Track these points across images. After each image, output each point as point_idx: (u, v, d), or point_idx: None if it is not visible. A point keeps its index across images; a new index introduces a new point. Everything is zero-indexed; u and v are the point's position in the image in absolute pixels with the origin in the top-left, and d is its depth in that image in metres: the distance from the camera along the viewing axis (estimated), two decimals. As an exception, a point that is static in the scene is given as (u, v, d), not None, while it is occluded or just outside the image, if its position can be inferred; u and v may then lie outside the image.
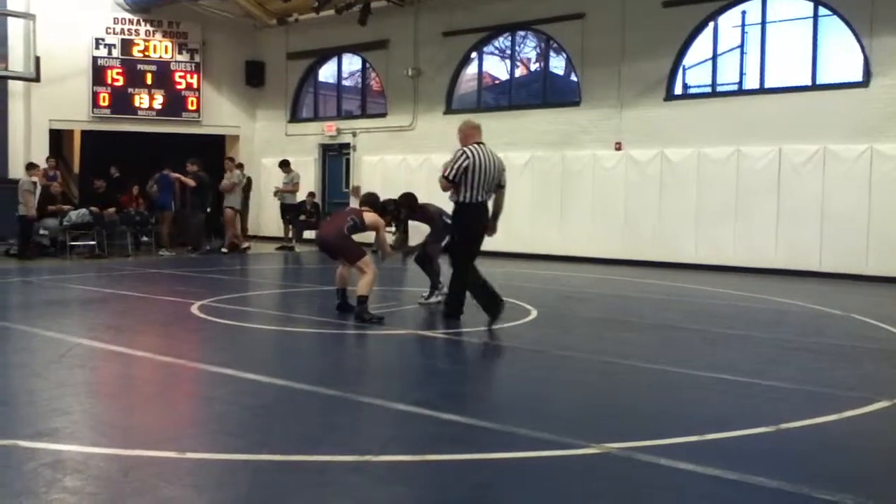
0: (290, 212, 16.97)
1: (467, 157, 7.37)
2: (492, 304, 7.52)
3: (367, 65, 18.91)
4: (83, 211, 14.55)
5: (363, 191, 17.53)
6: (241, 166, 16.95)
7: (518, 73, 17.71)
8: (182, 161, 15.54)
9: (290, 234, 17.05)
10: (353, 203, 17.93)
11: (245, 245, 16.31)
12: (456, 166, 7.38)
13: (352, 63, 19.56)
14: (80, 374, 5.53)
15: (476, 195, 7.44)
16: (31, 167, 14.45)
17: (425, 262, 9.01)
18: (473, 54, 17.16)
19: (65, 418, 4.34)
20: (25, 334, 6.95)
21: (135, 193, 16.12)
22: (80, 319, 8.03)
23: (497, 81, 18.09)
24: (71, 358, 5.92)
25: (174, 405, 4.97)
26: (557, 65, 16.93)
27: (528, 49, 17.66)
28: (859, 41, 12.50)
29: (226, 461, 3.71)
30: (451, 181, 7.43)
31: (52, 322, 7.51)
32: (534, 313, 8.35)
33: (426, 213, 9.08)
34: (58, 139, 18.38)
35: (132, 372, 5.74)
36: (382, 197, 8.55)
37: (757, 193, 13.20)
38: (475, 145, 7.50)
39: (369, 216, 7.85)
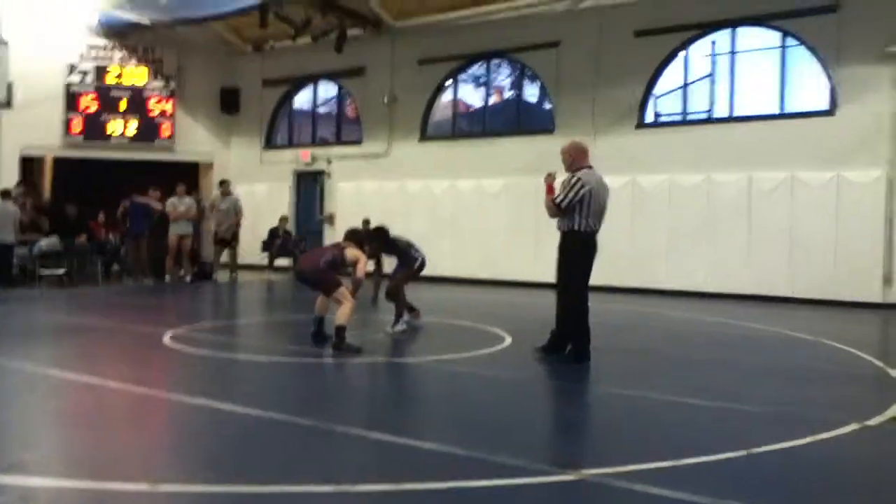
0: (221, 241, 15.89)
1: (583, 185, 6.83)
2: (583, 345, 7.06)
3: (343, 92, 19.00)
4: (53, 239, 14.39)
5: (338, 218, 17.67)
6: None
7: (492, 100, 17.87)
8: (162, 188, 15.51)
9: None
10: (328, 230, 17.99)
11: (182, 275, 15.59)
12: (572, 195, 6.82)
13: (327, 90, 19.63)
14: (50, 405, 5.45)
15: (591, 224, 6.92)
16: (6, 194, 14.21)
17: (393, 294, 9.11)
18: (448, 82, 17.30)
19: (35, 451, 4.28)
20: (-5, 364, 6.84)
21: (99, 221, 15.97)
22: (50, 349, 7.90)
23: (472, 109, 18.24)
24: (40, 389, 5.84)
25: (147, 436, 4.91)
26: (532, 92, 17.12)
27: (503, 77, 17.85)
28: (826, 70, 12.80)
29: (201, 493, 3.68)
30: (562, 209, 6.91)
31: (21, 352, 7.40)
32: (508, 340, 8.37)
33: (395, 247, 9.31)
34: (29, 166, 18.20)
35: (104, 403, 5.67)
36: (359, 220, 8.60)
37: (727, 220, 13.39)
38: (587, 170, 7.00)
39: (350, 252, 7.85)
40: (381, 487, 3.75)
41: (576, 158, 7.06)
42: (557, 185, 7.04)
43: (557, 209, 6.92)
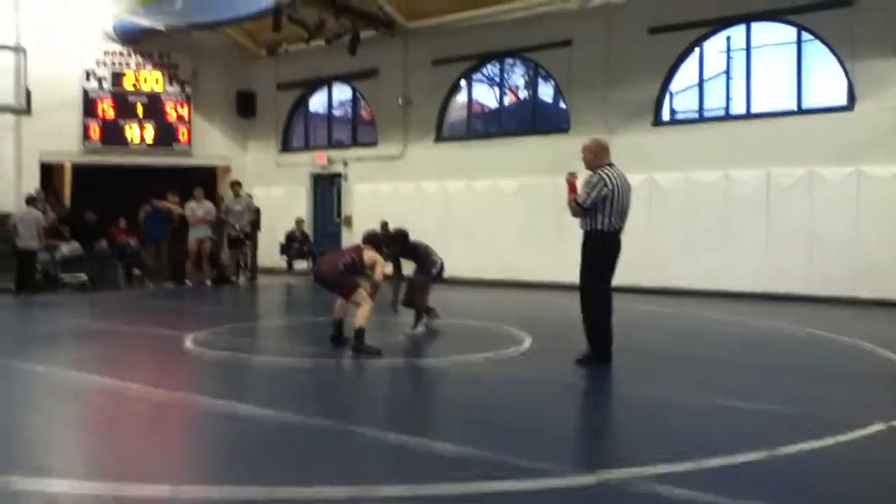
0: (235, 242, 16.12)
1: (607, 185, 6.74)
2: (605, 346, 6.97)
3: (358, 94, 19.05)
4: (75, 244, 14.53)
5: (354, 220, 17.74)
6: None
7: (507, 100, 17.85)
8: (179, 192, 15.67)
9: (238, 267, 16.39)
10: (345, 232, 18.04)
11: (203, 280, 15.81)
12: (595, 194, 6.75)
13: (342, 92, 19.68)
14: (73, 408, 5.50)
15: (614, 222, 6.83)
16: (31, 201, 14.37)
17: (411, 301, 9.17)
18: (462, 82, 17.30)
19: (58, 454, 4.32)
20: (18, 369, 6.91)
21: (121, 226, 16.12)
22: (72, 353, 7.99)
23: (487, 109, 18.23)
24: (63, 393, 5.89)
25: (168, 439, 4.95)
26: (546, 92, 17.09)
27: (517, 76, 17.83)
28: (843, 65, 12.68)
29: (221, 495, 3.70)
30: (585, 209, 6.85)
31: (44, 356, 7.48)
32: (528, 341, 8.35)
33: (415, 251, 9.33)
34: (48, 172, 18.38)
35: (126, 406, 5.72)
36: (375, 222, 8.64)
37: (745, 217, 13.29)
38: (609, 168, 6.90)
39: (368, 254, 7.87)
40: (399, 490, 3.75)
41: (597, 156, 6.96)
42: (579, 184, 6.99)
43: (580, 209, 6.86)
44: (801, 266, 12.77)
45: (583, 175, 7.07)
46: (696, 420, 5.28)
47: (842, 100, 12.78)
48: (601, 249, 6.89)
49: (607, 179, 6.79)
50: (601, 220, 6.81)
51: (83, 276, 14.36)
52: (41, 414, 5.32)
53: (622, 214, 6.91)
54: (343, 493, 3.69)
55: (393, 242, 9.27)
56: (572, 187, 6.99)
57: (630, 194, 7.01)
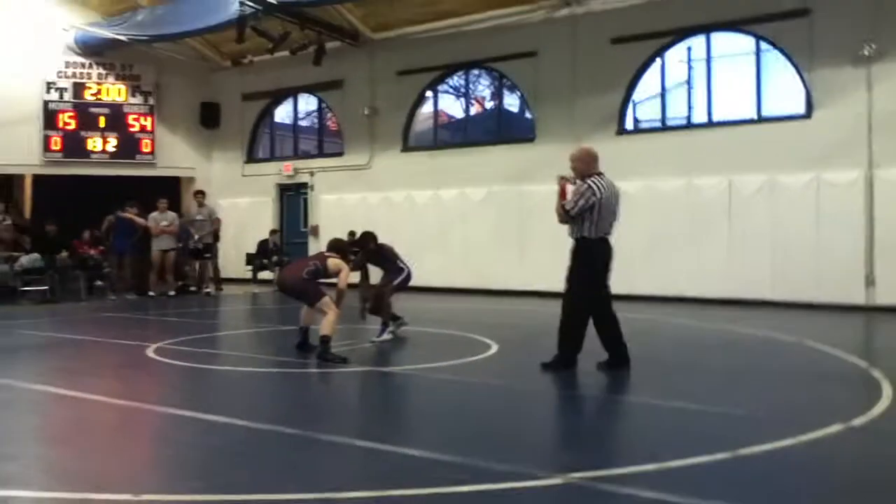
0: (194, 252, 16.00)
1: (594, 194, 6.80)
2: (620, 353, 7.06)
3: (323, 104, 19.01)
4: (35, 256, 14.29)
5: (321, 230, 17.65)
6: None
7: (473, 110, 17.93)
8: (141, 203, 15.49)
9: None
10: (312, 242, 17.95)
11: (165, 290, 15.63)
12: (582, 202, 6.81)
13: (308, 103, 19.63)
14: (30, 419, 5.40)
15: (601, 230, 6.93)
16: None
17: (377, 308, 9.13)
18: (429, 93, 17.33)
19: (15, 464, 4.24)
20: (-25, 383, 6.77)
21: (85, 238, 15.90)
22: (31, 364, 7.84)
23: (452, 119, 18.29)
24: (23, 403, 5.78)
25: (130, 448, 4.87)
26: (512, 102, 17.20)
27: (483, 87, 17.93)
28: (800, 74, 12.93)
29: (185, 503, 3.65)
30: (571, 216, 6.92)
31: (2, 368, 7.33)
32: (494, 347, 8.37)
33: (383, 255, 9.28)
34: (8, 184, 18.07)
35: (86, 416, 5.62)
36: (343, 232, 8.59)
37: (709, 224, 13.46)
38: (597, 177, 6.94)
39: (333, 262, 7.84)
40: (366, 494, 3.74)
41: (588, 165, 7.03)
42: (570, 190, 7.03)
43: (566, 215, 6.93)
44: (763, 271, 12.95)
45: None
46: (659, 422, 5.32)
47: (800, 108, 13.02)
48: (588, 256, 6.97)
49: (595, 188, 6.84)
50: (587, 227, 6.89)
51: (43, 288, 14.11)
52: (-1, 426, 5.21)
53: (609, 222, 6.99)
54: (310, 497, 3.67)
55: (360, 247, 9.21)
56: (563, 192, 7.04)
57: (618, 202, 7.09)
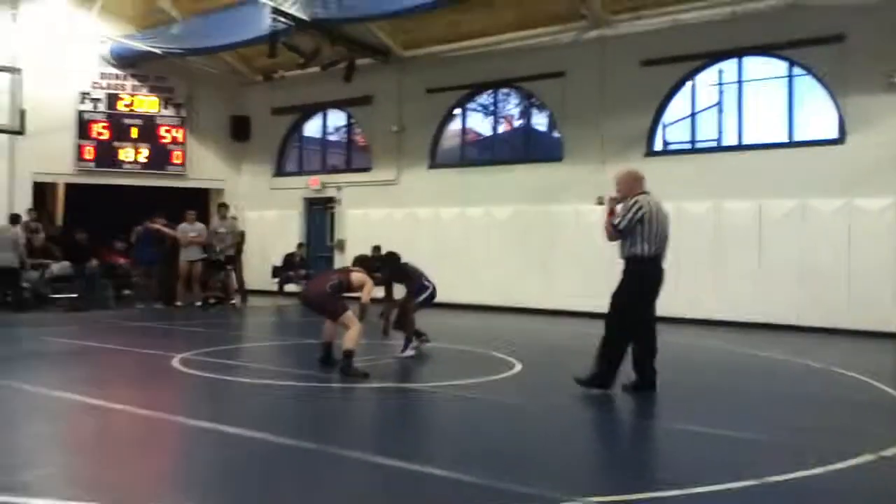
0: (214, 265, 15.92)
1: (641, 207, 6.75)
2: (648, 378, 6.99)
3: (352, 120, 19.13)
4: (65, 263, 14.47)
5: (347, 245, 17.72)
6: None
7: (501, 128, 17.94)
8: (168, 213, 15.64)
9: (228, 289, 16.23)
10: (338, 256, 18.01)
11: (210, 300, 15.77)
12: (630, 216, 6.75)
13: (336, 118, 19.76)
14: (55, 427, 5.43)
15: (652, 248, 6.81)
16: (14, 219, 14.34)
17: (401, 323, 9.20)
18: (457, 110, 17.39)
19: (38, 472, 4.26)
20: (1, 387, 6.83)
21: (116, 247, 16.08)
22: (58, 372, 7.91)
23: (480, 137, 18.31)
24: (47, 411, 5.83)
25: (152, 459, 4.88)
26: (540, 121, 17.18)
27: (511, 106, 17.93)
28: (834, 100, 12.81)
29: (206, 516, 3.65)
30: (620, 231, 6.84)
31: (29, 374, 7.40)
32: (518, 366, 8.32)
33: (406, 273, 9.35)
34: (41, 192, 18.35)
35: (110, 425, 5.66)
36: (368, 247, 8.64)
37: (737, 248, 13.34)
38: (644, 195, 6.92)
39: (356, 276, 7.85)
40: (388, 513, 3.71)
41: (632, 187, 7.00)
42: (619, 209, 6.97)
43: (615, 231, 6.85)
44: (792, 297, 12.79)
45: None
46: (685, 447, 5.25)
47: (833, 133, 12.89)
48: (639, 276, 6.87)
49: (642, 202, 6.80)
50: (640, 244, 6.78)
51: (73, 295, 14.28)
52: (21, 431, 5.25)
53: (661, 240, 6.88)
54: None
55: (384, 265, 9.28)
56: (611, 211, 6.99)
57: (668, 222, 6.99)
